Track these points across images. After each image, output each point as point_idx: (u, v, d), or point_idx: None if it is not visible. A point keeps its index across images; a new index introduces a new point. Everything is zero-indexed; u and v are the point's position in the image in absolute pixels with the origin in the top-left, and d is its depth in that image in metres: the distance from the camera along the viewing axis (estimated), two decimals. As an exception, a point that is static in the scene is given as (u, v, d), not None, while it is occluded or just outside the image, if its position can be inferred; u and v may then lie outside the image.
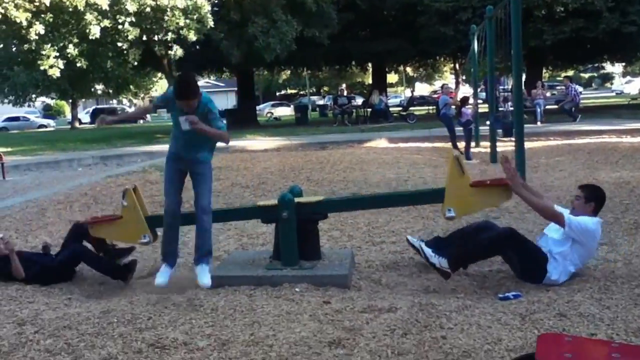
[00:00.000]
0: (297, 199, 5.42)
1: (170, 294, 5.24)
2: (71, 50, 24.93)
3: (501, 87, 22.91)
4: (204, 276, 5.20)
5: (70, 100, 50.95)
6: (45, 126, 57.57)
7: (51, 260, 6.08)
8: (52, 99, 57.39)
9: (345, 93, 35.32)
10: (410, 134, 20.28)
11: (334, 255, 5.76)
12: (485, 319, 4.24)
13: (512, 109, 14.40)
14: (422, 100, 42.41)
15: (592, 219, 5.14)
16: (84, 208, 9.84)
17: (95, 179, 13.48)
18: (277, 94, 73.18)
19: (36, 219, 9.04)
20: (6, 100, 48.42)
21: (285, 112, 55.72)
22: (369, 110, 29.65)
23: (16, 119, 56.70)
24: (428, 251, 5.28)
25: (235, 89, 66.32)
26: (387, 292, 5.07)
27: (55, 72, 24.98)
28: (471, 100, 16.06)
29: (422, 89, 71.80)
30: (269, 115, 49.02)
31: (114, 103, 63.48)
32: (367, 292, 5.06)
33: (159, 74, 44.69)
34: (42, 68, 25.32)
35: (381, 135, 20.54)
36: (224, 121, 5.29)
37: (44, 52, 24.71)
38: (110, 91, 48.18)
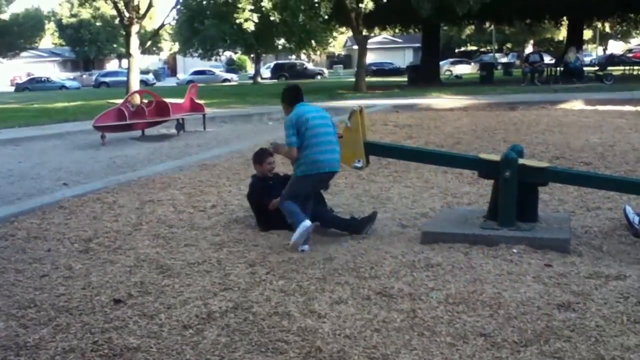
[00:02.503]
0: (520, 161, 5.35)
1: (382, 246, 5.46)
2: (265, 3, 25.58)
3: None
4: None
5: (253, 55, 53.08)
6: (229, 80, 60.49)
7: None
8: (236, 53, 60.14)
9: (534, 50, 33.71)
10: (608, 96, 19.08)
11: (551, 218, 5.68)
12: None
13: None
14: (622, 59, 39.11)
15: None
16: (286, 160, 10.30)
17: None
18: (457, 50, 71.44)
19: (243, 169, 9.60)
20: (195, 54, 51.67)
21: (465, 69, 54.35)
22: (561, 69, 28.12)
23: (202, 72, 60.19)
24: None
25: (413, 45, 66.17)
26: (611, 259, 4.95)
27: (250, 26, 25.99)
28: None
29: (615, 47, 66.90)
30: (447, 73, 48.06)
31: (292, 58, 65.19)
32: (589, 258, 4.97)
33: (342, 29, 45.22)
34: (237, 21, 26.43)
35: (576, 96, 19.54)
36: (290, 137, 5.44)
37: (239, 5, 25.67)
38: (292, 46, 49.65)
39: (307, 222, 5.32)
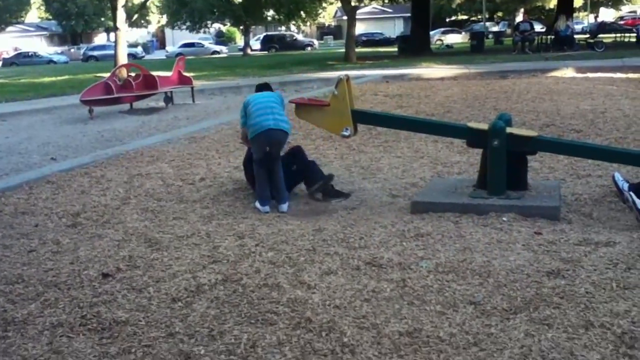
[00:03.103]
0: (509, 130, 5.30)
1: (372, 216, 5.44)
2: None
3: None
4: None
5: (242, 27, 52.61)
6: (218, 52, 59.69)
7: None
8: (225, 25, 59.42)
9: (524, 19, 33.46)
10: (599, 64, 18.98)
11: (541, 186, 5.66)
12: None
13: None
14: (613, 27, 38.73)
15: None
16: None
17: (281, 104, 13.94)
18: (447, 20, 70.94)
19: (232, 141, 9.53)
20: (183, 27, 51.15)
21: (456, 39, 54.02)
22: (552, 37, 27.99)
23: (191, 45, 59.29)
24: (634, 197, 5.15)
25: (404, 15, 65.70)
26: (600, 226, 4.95)
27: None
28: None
29: (606, 14, 66.55)
30: (439, 42, 47.73)
31: (282, 30, 64.58)
32: (579, 225, 4.96)
33: (331, 0, 44.95)
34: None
35: (567, 64, 19.47)
36: (241, 119, 6.34)
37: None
38: (281, 17, 49.22)
39: (266, 209, 6.00)
